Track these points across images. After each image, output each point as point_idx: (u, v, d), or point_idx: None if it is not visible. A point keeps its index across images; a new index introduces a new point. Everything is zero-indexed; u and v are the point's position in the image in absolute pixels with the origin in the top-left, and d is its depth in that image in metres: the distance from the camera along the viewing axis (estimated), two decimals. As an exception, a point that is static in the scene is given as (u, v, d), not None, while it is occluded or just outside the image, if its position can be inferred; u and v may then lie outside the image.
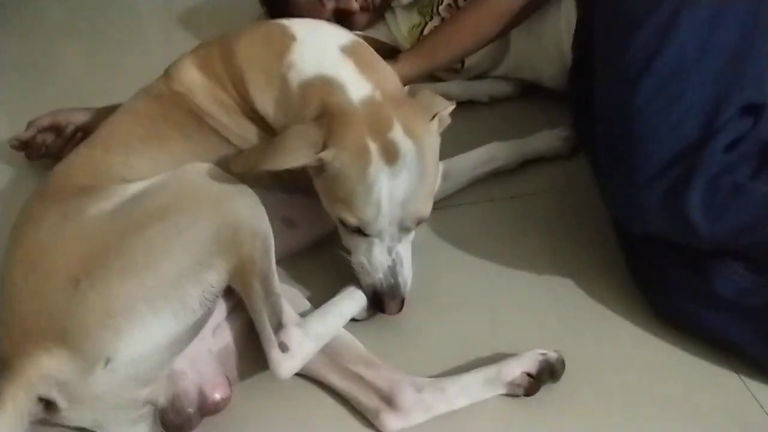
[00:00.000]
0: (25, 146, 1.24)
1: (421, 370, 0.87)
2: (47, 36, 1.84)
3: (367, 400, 0.83)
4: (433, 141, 0.89)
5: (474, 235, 1.11)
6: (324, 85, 0.89)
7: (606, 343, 0.94)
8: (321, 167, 0.84)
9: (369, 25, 1.48)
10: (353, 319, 0.93)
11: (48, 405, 0.75)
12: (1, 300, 0.78)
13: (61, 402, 0.74)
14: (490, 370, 0.86)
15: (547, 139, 1.24)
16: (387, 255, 0.89)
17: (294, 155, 0.82)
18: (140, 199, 0.82)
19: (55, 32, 1.88)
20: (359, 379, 0.85)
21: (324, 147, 0.83)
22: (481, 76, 1.41)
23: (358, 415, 0.84)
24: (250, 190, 0.86)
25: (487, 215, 1.15)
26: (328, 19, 1.41)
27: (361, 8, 1.42)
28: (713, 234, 0.83)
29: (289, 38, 0.95)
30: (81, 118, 1.24)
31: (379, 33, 1.48)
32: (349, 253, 0.93)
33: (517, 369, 0.85)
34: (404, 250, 0.91)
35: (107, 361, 0.73)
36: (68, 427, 0.79)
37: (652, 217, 0.85)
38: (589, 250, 1.06)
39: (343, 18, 1.42)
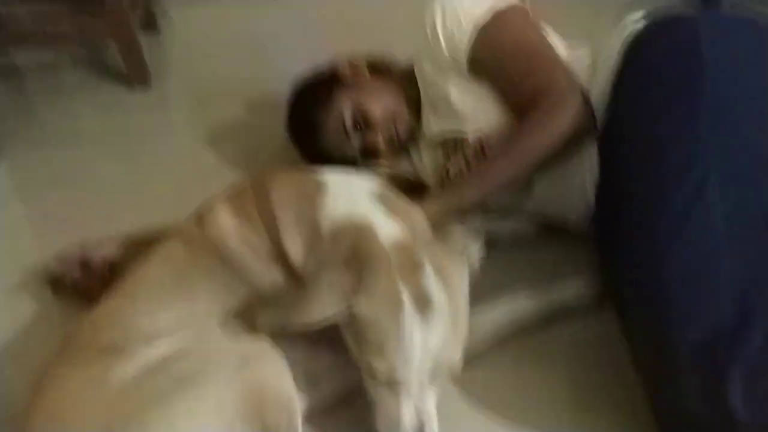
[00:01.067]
0: (53, 280, 1.26)
1: None
2: (80, 148, 1.91)
3: None
4: (464, 284, 0.90)
5: (501, 397, 1.07)
6: (354, 229, 0.90)
7: None
8: (351, 314, 0.83)
9: (394, 158, 1.51)
10: None
11: None
12: None
13: None
14: None
15: (572, 289, 1.22)
16: (414, 414, 0.86)
17: (325, 307, 0.82)
18: (164, 366, 0.82)
19: (88, 145, 1.94)
20: None
21: (355, 297, 0.82)
22: (503, 214, 1.41)
23: None
24: (274, 350, 0.85)
25: (513, 375, 1.12)
26: (354, 155, 1.45)
27: (386, 143, 1.45)
28: (754, 422, 0.80)
29: (321, 185, 0.98)
30: (109, 250, 1.26)
31: (403, 166, 1.52)
32: (373, 411, 0.90)
33: None
34: (432, 405, 0.88)
35: None
36: None
37: (690, 401, 0.83)
38: (620, 406, 1.03)
39: (368, 152, 1.46)
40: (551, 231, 1.40)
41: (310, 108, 1.47)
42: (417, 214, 0.99)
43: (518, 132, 1.21)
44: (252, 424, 0.78)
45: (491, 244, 1.33)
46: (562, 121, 1.15)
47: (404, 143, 1.50)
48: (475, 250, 0.92)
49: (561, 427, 1.02)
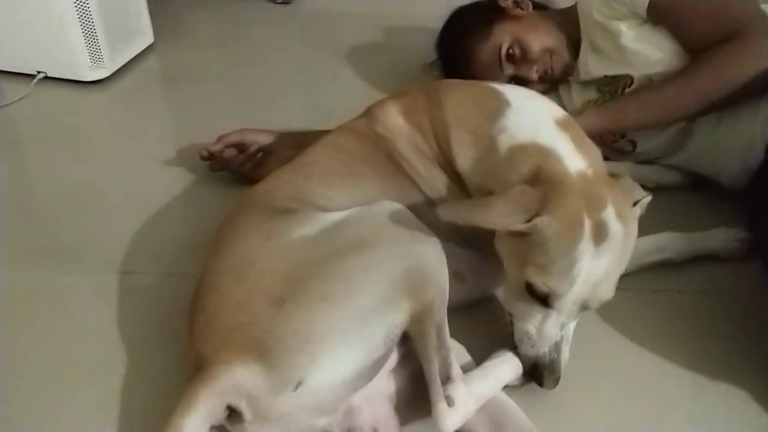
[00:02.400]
0: (211, 157, 1.33)
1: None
2: (222, 52, 2.01)
3: None
4: (635, 227, 0.88)
5: (638, 323, 1.07)
6: (539, 152, 0.89)
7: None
8: (527, 232, 0.83)
9: (541, 93, 1.49)
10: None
11: (231, 414, 0.78)
12: (206, 304, 0.82)
13: (247, 414, 0.76)
14: None
15: (722, 238, 1.19)
16: (558, 330, 0.88)
17: (510, 218, 0.82)
18: (339, 228, 0.86)
19: (230, 49, 2.03)
20: None
21: (537, 213, 0.82)
22: (651, 161, 1.38)
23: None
24: (437, 239, 0.87)
25: (653, 305, 1.11)
26: (505, 83, 1.45)
27: (540, 78, 1.44)
28: None
29: (503, 103, 0.97)
30: (264, 140, 1.32)
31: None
32: (513, 317, 0.91)
33: None
34: (572, 328, 0.90)
35: (299, 384, 0.75)
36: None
37: None
38: (760, 361, 0.99)
39: (518, 84, 1.45)
40: (698, 182, 1.36)
41: (466, 35, 1.47)
42: (597, 151, 0.95)
43: (697, 64, 1.15)
44: (413, 299, 0.81)
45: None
46: (748, 61, 1.11)
47: (556, 81, 1.48)
48: (644, 199, 0.91)
49: (703, 364, 1.00)
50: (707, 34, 1.16)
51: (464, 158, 0.96)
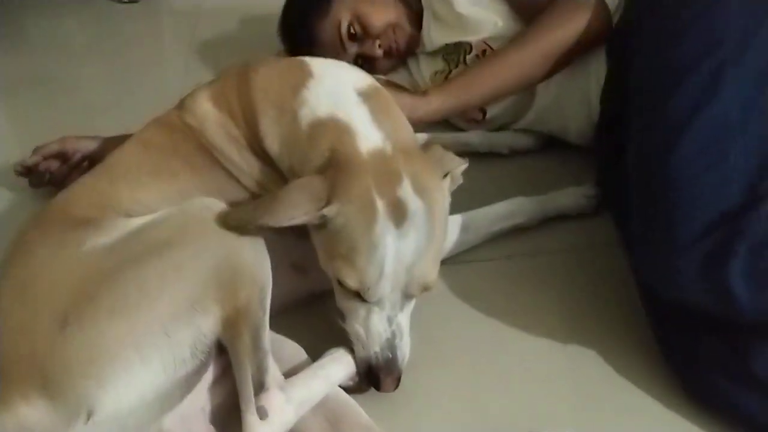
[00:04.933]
0: (29, 172, 1.20)
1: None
2: (65, 54, 1.85)
3: None
4: (443, 200, 0.83)
5: (491, 293, 1.04)
6: (334, 129, 0.84)
7: (627, 421, 0.86)
8: (323, 223, 0.78)
9: (390, 70, 1.46)
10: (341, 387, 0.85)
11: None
12: None
13: None
14: None
15: (571, 197, 1.18)
16: (386, 325, 0.82)
17: (295, 211, 0.76)
18: (141, 232, 0.77)
19: (74, 51, 1.89)
20: None
21: (328, 202, 0.77)
22: (502, 127, 1.37)
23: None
24: (258, 234, 0.80)
25: (505, 273, 1.09)
26: (351, 63, 1.39)
27: (385, 54, 1.40)
28: (755, 306, 0.75)
29: (306, 74, 0.91)
30: (88, 147, 1.21)
31: (399, 77, 1.46)
32: (343, 318, 0.85)
33: None
34: (404, 320, 0.84)
35: (89, 414, 0.66)
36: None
37: (689, 285, 0.78)
38: (613, 316, 0.99)
39: (365, 62, 1.40)
40: (550, 144, 1.36)
41: (305, 14, 1.40)
42: (403, 121, 0.91)
43: (533, 29, 1.12)
44: (223, 301, 0.73)
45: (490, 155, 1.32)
46: (580, 20, 1.09)
47: (403, 55, 1.44)
48: (457, 168, 0.86)
49: (552, 324, 0.99)
50: None
51: (271, 137, 0.89)
